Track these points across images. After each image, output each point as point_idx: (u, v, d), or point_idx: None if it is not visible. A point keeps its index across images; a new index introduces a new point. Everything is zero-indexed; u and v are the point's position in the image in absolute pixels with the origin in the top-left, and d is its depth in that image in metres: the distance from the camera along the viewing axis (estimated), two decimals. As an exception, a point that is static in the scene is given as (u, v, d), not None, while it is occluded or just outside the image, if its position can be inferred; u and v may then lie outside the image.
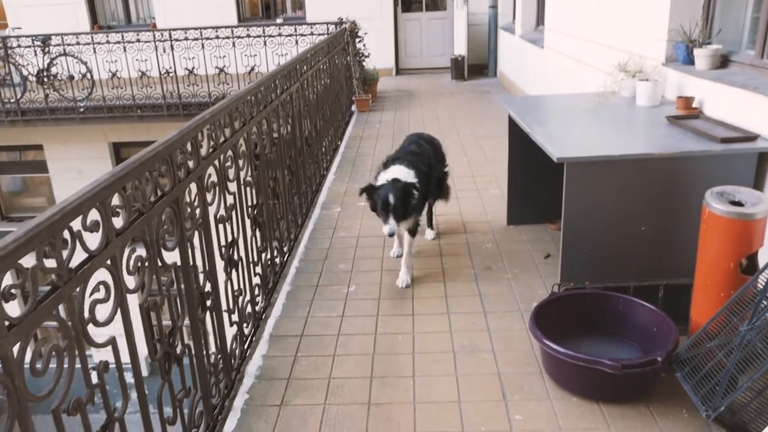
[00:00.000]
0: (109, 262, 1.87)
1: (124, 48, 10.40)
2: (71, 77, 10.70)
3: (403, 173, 3.78)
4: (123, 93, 10.49)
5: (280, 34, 10.40)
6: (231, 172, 3.09)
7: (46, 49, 10.66)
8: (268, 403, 2.83)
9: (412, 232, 3.91)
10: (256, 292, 3.52)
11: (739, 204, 2.60)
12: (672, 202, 3.03)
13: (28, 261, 1.48)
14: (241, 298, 3.21)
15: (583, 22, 6.02)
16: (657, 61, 4.12)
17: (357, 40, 9.88)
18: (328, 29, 10.06)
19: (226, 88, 10.26)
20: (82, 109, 10.71)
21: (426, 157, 4.13)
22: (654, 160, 2.98)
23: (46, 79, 10.74)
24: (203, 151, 2.69)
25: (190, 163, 2.53)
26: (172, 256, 2.35)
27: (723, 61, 3.66)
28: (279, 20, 12.78)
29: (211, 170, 2.82)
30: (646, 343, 2.86)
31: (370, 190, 3.78)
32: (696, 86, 3.64)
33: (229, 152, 3.05)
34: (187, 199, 2.49)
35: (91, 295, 1.78)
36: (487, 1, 11.81)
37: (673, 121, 3.42)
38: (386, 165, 3.95)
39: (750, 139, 2.97)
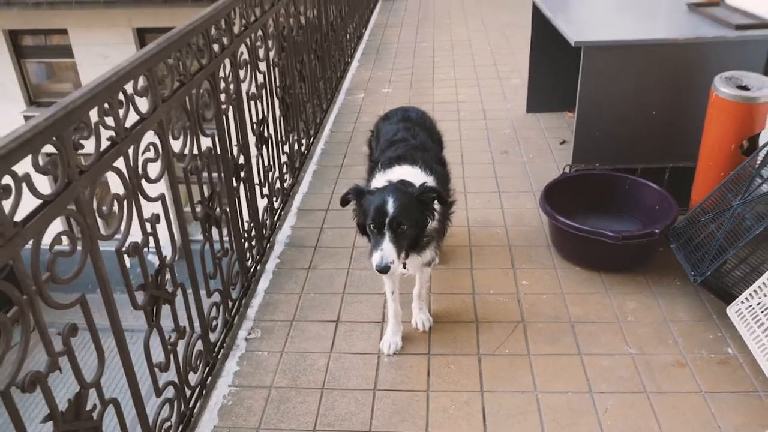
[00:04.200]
0: (156, 125, 2.08)
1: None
2: (92, -42, 10.56)
3: (415, 176, 2.35)
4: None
5: None
6: (261, 52, 3.23)
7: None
8: (297, 267, 3.13)
9: (429, 263, 2.50)
10: (285, 169, 3.74)
11: (745, 88, 2.71)
12: (684, 88, 3.13)
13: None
14: (271, 174, 3.45)
15: None
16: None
17: None
18: None
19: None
20: (105, -7, 10.64)
21: (432, 151, 2.69)
22: (669, 45, 3.05)
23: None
24: (236, 29, 2.83)
25: (225, 40, 2.67)
26: (210, 129, 2.56)
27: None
28: None
29: (242, 49, 2.96)
30: (648, 220, 3.06)
31: (357, 195, 2.28)
32: (722, -28, 3.61)
33: (259, 32, 3.18)
34: (222, 74, 2.66)
35: (143, 153, 2.01)
36: None
37: (693, 9, 3.45)
38: (384, 165, 2.47)
39: (764, 26, 3.02)
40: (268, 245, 3.32)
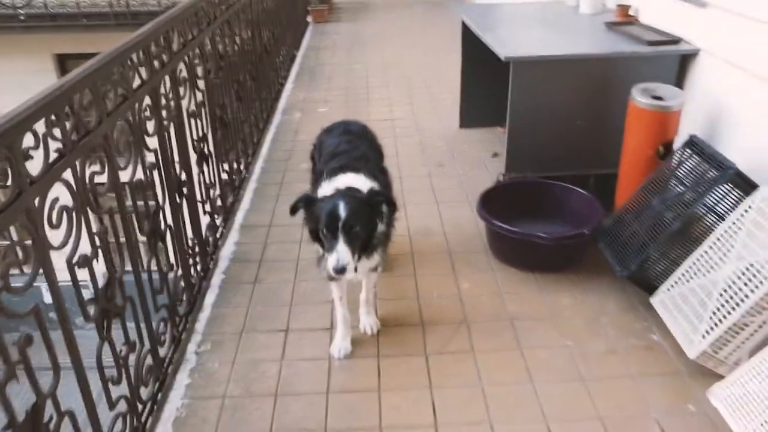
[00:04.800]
0: (102, 138, 2.09)
1: (66, -49, 9.99)
2: (10, -18, 10.26)
3: (360, 183, 2.44)
4: (67, 0, 10.15)
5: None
6: (199, 71, 3.27)
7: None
8: (243, 281, 3.15)
9: (376, 268, 2.66)
10: (225, 187, 3.77)
11: (659, 98, 2.96)
12: (604, 99, 3.37)
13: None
14: (212, 191, 3.47)
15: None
16: (602, -30, 4.37)
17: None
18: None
19: (177, -3, 10.04)
20: (22, 17, 10.33)
21: (373, 161, 2.82)
22: (590, 60, 3.30)
23: (-18, -15, 10.27)
24: (175, 47, 2.87)
25: (164, 57, 2.71)
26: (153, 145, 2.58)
27: (659, -28, 3.93)
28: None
29: (181, 67, 3.00)
30: (577, 223, 3.24)
31: (307, 203, 2.37)
32: (634, -6, 3.93)
33: (197, 50, 3.22)
34: (163, 91, 2.70)
35: (89, 166, 2.02)
36: None
37: (610, 27, 3.73)
38: (329, 174, 2.55)
39: (674, 42, 3.31)
40: (212, 261, 3.33)
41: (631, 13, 3.88)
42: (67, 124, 1.85)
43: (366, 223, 2.28)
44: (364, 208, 2.28)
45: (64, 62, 12.13)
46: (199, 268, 3.14)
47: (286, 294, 3.03)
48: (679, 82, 3.31)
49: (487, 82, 4.59)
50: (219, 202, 3.62)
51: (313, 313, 2.88)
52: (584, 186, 3.40)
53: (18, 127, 1.58)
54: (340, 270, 2.16)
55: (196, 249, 3.13)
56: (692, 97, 3.23)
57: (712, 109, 3.10)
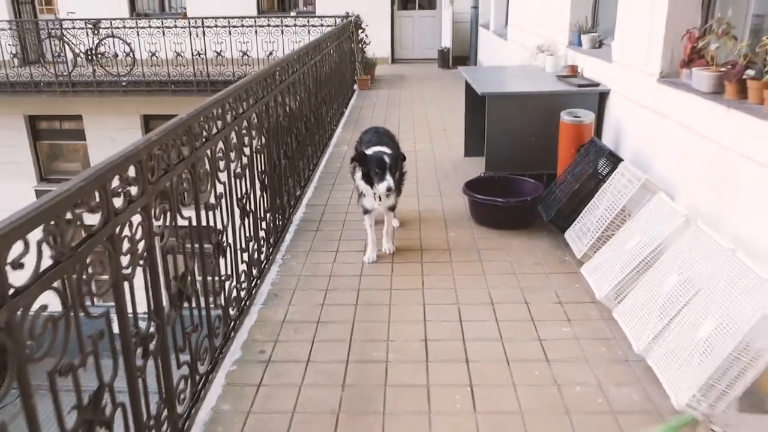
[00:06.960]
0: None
1: (163, 32, 12.40)
2: (116, 56, 12.69)
3: (385, 151, 4.13)
4: (160, 70, 12.47)
5: (295, 25, 12.44)
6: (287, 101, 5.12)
7: (96, 31, 12.64)
8: (309, 229, 4.88)
9: (392, 208, 4.43)
10: (294, 184, 5.55)
11: (578, 117, 4.66)
12: (550, 122, 5.06)
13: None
14: (290, 180, 5.25)
15: (525, 21, 8.09)
16: (563, 44, 6.18)
17: (360, 30, 11.91)
18: (335, 21, 12.10)
19: (248, 69, 12.26)
20: (124, 83, 12.67)
21: (393, 147, 4.44)
22: (538, 96, 5.05)
23: (94, 57, 12.71)
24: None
25: (272, 86, 4.54)
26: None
27: (600, 43, 5.71)
28: (293, 13, 14.82)
29: (279, 98, 4.84)
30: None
31: (361, 156, 4.13)
32: (580, 58, 5.71)
33: (287, 88, 5.08)
34: (272, 104, 4.51)
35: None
36: (470, 1, 13.86)
37: (560, 79, 5.49)
38: (367, 147, 4.34)
39: (594, 85, 5.05)
40: (288, 221, 5.06)
41: (578, 70, 5.64)
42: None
43: (396, 167, 4.10)
44: (395, 159, 4.12)
45: (148, 122, 14.48)
46: (280, 223, 4.87)
47: (336, 235, 4.73)
48: (600, 110, 5.02)
49: (483, 123, 6.34)
50: (292, 192, 5.39)
51: (352, 245, 4.57)
52: (540, 181, 5.05)
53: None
54: (389, 189, 3.98)
55: (279, 211, 4.87)
56: (607, 119, 4.93)
57: (616, 125, 4.79)
